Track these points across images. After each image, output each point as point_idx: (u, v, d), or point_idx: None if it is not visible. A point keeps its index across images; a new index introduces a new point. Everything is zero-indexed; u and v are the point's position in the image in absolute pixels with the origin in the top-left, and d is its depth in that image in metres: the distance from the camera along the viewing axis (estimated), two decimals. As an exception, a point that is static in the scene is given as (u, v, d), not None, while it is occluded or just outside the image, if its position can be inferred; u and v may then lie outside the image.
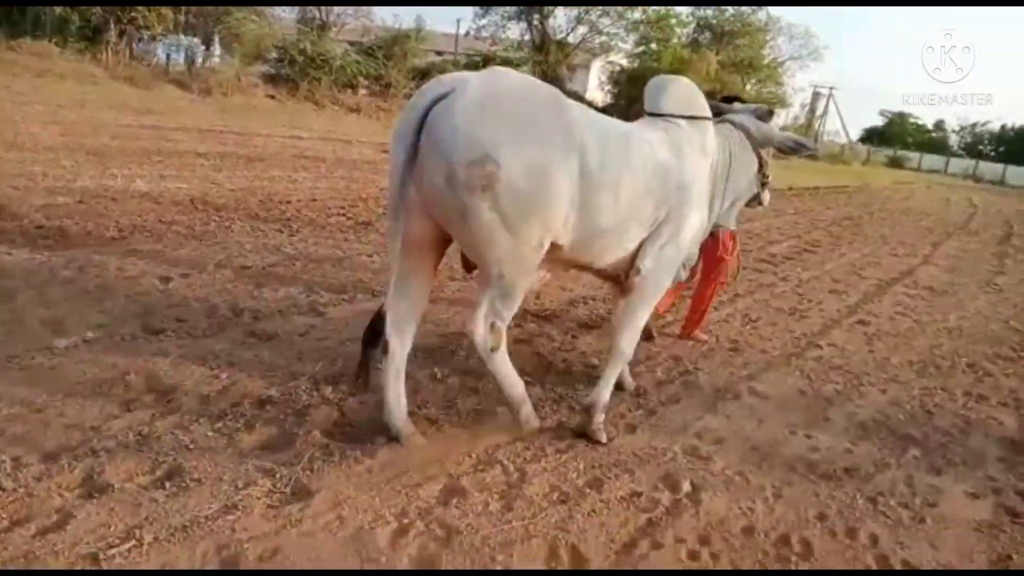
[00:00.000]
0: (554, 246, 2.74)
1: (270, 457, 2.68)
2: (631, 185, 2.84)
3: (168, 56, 23.03)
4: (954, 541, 2.76)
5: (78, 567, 2.02)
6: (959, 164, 52.72)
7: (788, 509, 2.81)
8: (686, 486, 2.86)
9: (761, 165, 3.74)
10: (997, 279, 9.23)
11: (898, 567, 2.55)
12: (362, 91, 25.64)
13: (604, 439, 3.12)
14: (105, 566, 2.03)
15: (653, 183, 2.95)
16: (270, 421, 2.96)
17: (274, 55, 23.61)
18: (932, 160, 52.91)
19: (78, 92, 16.59)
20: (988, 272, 9.75)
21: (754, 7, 39.75)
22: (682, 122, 3.22)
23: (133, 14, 21.44)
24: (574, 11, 35.19)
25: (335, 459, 2.70)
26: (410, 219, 2.58)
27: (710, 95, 3.56)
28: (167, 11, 22.43)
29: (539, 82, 2.78)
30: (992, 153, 56.96)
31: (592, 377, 3.62)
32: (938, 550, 2.68)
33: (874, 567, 2.54)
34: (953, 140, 60.80)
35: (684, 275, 3.60)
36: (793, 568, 2.47)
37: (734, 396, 3.95)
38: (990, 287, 8.60)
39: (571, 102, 2.76)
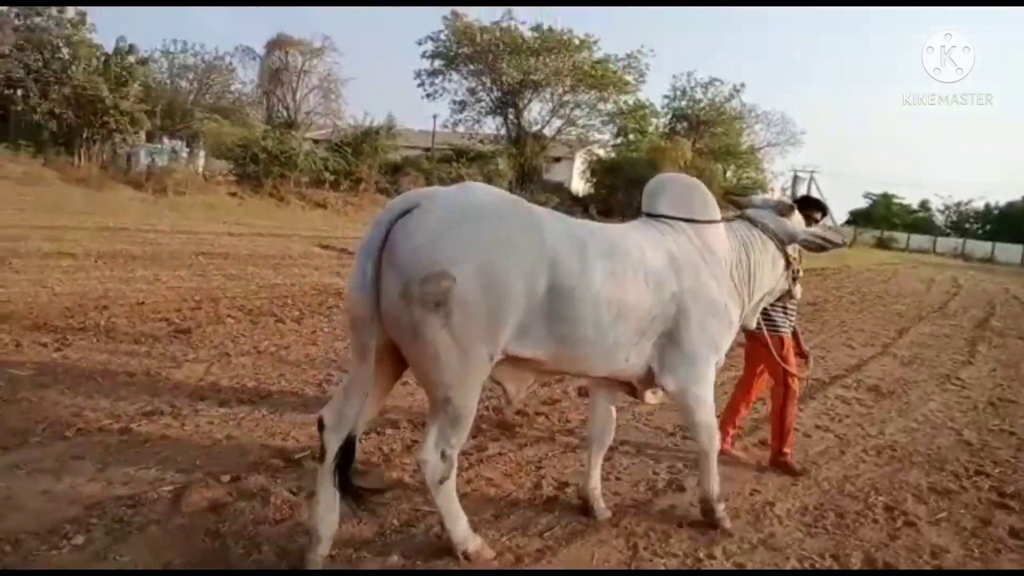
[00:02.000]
0: (530, 360, 2.73)
1: None
2: (618, 294, 2.77)
3: (152, 158, 23.02)
4: None
5: None
6: (947, 243, 52.36)
7: None
8: None
9: (789, 262, 3.55)
10: (963, 372, 8.23)
11: None
12: (330, 188, 25.37)
13: (729, 524, 3.36)
14: None
15: (645, 291, 2.87)
16: None
17: (239, 154, 23.44)
18: (920, 240, 52.57)
19: (15, 194, 16.18)
20: (954, 363, 8.75)
21: (729, 96, 40.33)
22: (683, 226, 3.15)
23: (105, 119, 21.52)
24: (549, 104, 35.69)
25: None
26: (376, 331, 2.50)
27: (730, 195, 3.44)
28: (141, 115, 22.55)
29: (510, 197, 2.74)
30: (979, 231, 56.75)
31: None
32: None
33: None
34: (939, 219, 60.77)
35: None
36: None
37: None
38: (952, 383, 7.58)
39: (544, 214, 2.74)
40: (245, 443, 3.88)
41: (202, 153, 25.52)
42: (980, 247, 49.88)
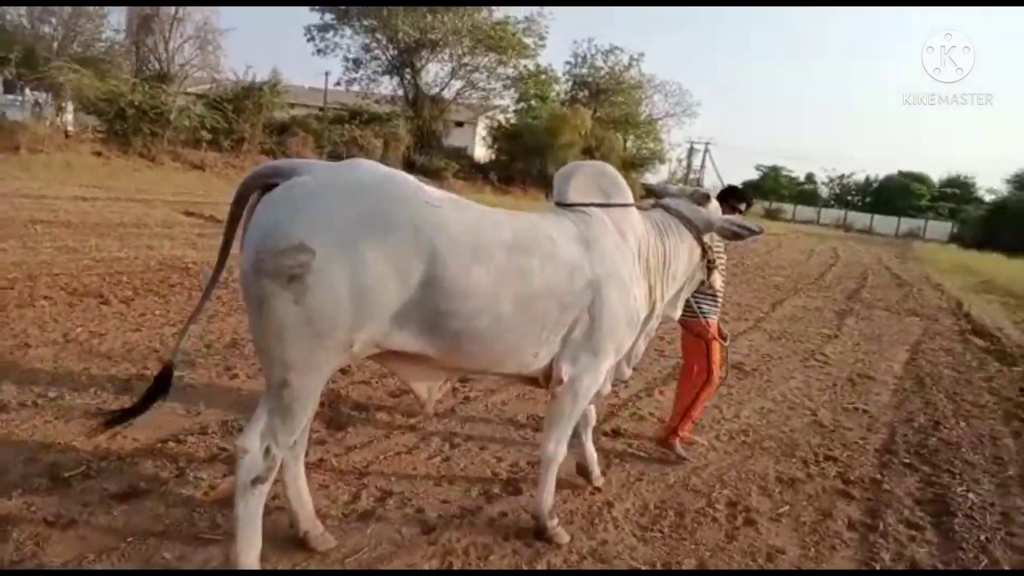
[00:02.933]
0: (422, 356, 2.59)
1: None
2: (523, 287, 2.63)
3: (3, 112, 20.67)
4: None
5: None
6: (831, 214, 55.24)
7: None
8: None
9: (705, 251, 3.47)
10: (827, 347, 8.43)
11: None
12: (208, 148, 23.66)
13: (566, 539, 3.15)
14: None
15: (555, 282, 2.74)
16: None
17: (104, 109, 21.43)
18: (806, 211, 55.23)
19: None
20: (820, 338, 8.97)
21: (628, 65, 40.52)
22: (595, 211, 3.05)
23: None
24: (448, 66, 34.68)
25: None
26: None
27: (647, 185, 3.01)
28: None
29: (397, 177, 2.52)
30: (860, 203, 60.22)
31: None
32: None
33: None
34: (823, 191, 64.03)
35: (627, 372, 3.50)
36: None
37: None
38: (815, 358, 7.72)
39: (434, 198, 2.53)
40: (7, 458, 3.28)
41: (70, 107, 23.27)
42: (860, 218, 52.87)
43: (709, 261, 3.55)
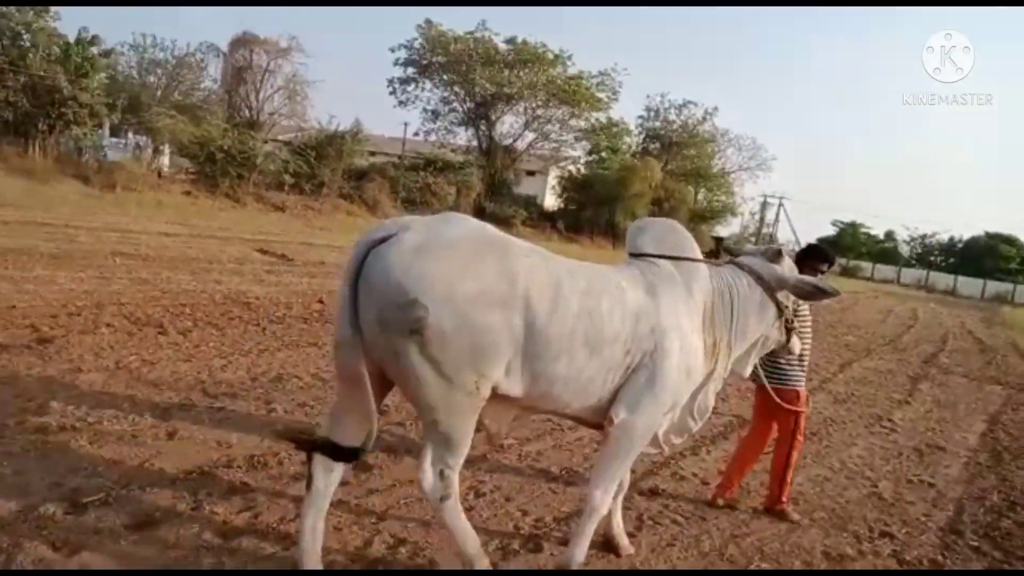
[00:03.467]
0: (507, 396, 2.72)
1: None
2: (593, 333, 2.76)
3: (105, 153, 22.30)
4: None
5: None
6: (912, 274, 52.82)
7: None
8: None
9: (781, 310, 3.42)
10: (896, 412, 7.92)
11: None
12: (290, 191, 24.71)
13: None
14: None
15: (622, 329, 2.85)
16: None
17: (196, 153, 22.76)
18: (885, 270, 52.99)
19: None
20: (890, 403, 8.44)
21: (702, 119, 40.35)
22: (663, 263, 3.14)
23: (63, 110, 20.80)
24: (521, 118, 35.42)
25: None
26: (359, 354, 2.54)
27: (723, 242, 3.12)
28: (101, 108, 21.81)
29: (486, 229, 2.72)
30: (943, 263, 57.40)
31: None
32: None
33: None
34: (904, 250, 61.38)
35: (694, 426, 3.42)
36: None
37: None
38: (882, 424, 7.26)
39: (523, 249, 2.73)
40: (35, 479, 3.36)
41: (167, 150, 24.83)
42: (943, 279, 50.35)
43: (787, 321, 3.48)
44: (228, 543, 3.04)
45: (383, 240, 2.54)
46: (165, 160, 25.47)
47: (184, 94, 29.50)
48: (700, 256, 3.27)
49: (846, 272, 49.49)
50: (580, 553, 3.12)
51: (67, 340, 5.64)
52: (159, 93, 29.00)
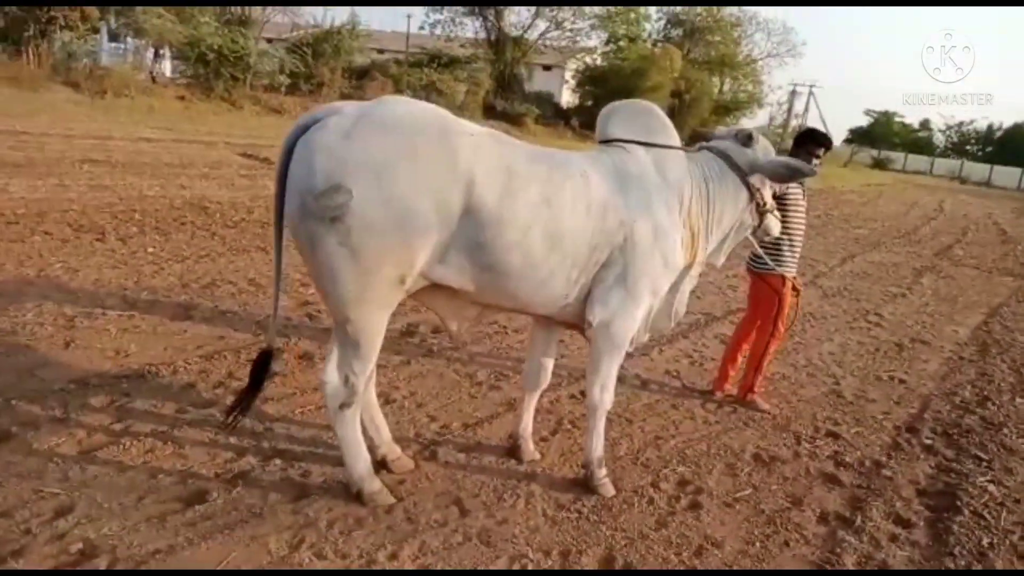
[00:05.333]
0: (456, 290, 2.63)
1: None
2: (552, 224, 2.59)
3: (95, 58, 21.68)
4: None
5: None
6: (945, 165, 50.61)
7: None
8: None
9: (752, 194, 3.23)
10: (887, 307, 7.53)
11: None
12: (288, 92, 23.96)
13: (611, 491, 3.09)
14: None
15: (587, 221, 2.68)
16: None
17: (188, 54, 22.03)
18: (918, 161, 50.84)
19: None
20: (884, 297, 8.04)
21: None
22: (636, 149, 2.93)
23: (52, 13, 20.13)
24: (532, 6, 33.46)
25: None
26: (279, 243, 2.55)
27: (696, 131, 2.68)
28: (92, 11, 21.08)
29: (428, 110, 2.53)
30: (979, 153, 54.80)
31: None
32: None
33: None
34: (939, 139, 58.67)
35: (670, 324, 3.23)
36: None
37: None
38: (867, 319, 6.90)
39: (468, 128, 2.53)
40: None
41: (167, 54, 24.07)
42: (978, 170, 48.17)
43: (758, 204, 3.27)
44: (83, 459, 2.85)
45: (311, 125, 2.39)
46: (167, 64, 24.76)
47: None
48: (677, 140, 3.05)
49: (876, 164, 47.68)
50: (599, 448, 3.11)
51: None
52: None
